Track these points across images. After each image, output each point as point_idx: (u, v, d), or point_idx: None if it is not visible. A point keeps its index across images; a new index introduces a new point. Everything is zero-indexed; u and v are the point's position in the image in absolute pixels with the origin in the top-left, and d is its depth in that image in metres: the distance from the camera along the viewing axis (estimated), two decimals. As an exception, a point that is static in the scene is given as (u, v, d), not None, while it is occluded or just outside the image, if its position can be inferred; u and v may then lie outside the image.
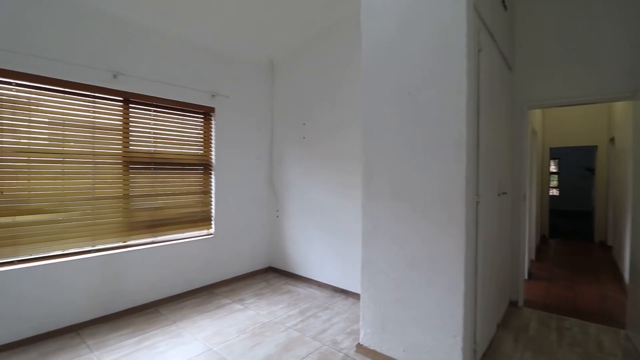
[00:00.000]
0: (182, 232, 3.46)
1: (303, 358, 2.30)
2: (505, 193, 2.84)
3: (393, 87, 2.22)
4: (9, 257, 2.41)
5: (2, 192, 2.37)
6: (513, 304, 3.24)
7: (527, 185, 3.37)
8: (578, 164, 10.87)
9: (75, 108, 2.72)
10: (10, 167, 2.42)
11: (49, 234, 2.60)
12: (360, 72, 2.55)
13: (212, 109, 3.64)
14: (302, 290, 3.63)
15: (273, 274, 4.16)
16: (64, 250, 2.68)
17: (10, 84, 2.41)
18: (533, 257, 4.97)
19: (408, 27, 2.14)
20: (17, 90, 2.45)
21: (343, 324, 2.83)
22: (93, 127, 2.82)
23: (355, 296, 3.37)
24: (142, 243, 3.13)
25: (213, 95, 3.62)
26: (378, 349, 2.27)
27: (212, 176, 3.69)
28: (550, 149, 6.79)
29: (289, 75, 4.11)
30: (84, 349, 2.39)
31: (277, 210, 4.23)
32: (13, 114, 2.44)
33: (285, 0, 3.14)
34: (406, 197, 2.15)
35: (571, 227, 8.32)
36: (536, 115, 5.20)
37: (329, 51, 3.64)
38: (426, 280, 2.05)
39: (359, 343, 2.40)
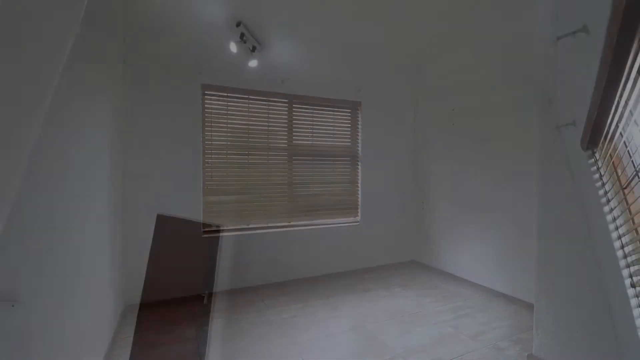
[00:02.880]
0: (333, 218, 3.78)
1: (461, 356, 2.14)
2: None
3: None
4: (215, 226, 3.20)
5: (212, 177, 3.17)
6: None
7: None
8: None
9: (255, 110, 3.36)
10: (216, 158, 3.20)
11: (239, 210, 3.30)
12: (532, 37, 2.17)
13: (358, 103, 3.83)
14: (451, 287, 3.38)
15: (417, 268, 4.04)
16: (247, 224, 3.35)
17: (214, 95, 3.18)
18: None
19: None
20: (218, 99, 3.21)
21: (506, 330, 2.48)
22: (267, 125, 3.41)
23: (519, 303, 2.90)
24: (302, 224, 3.58)
25: (359, 90, 3.80)
26: (559, 365, 1.89)
27: (359, 167, 3.89)
28: None
29: (436, 61, 3.90)
30: (262, 306, 2.92)
31: (422, 202, 4.08)
32: (217, 119, 3.21)
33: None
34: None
35: None
36: None
37: (488, 25, 3.26)
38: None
39: (530, 353, 2.06)
